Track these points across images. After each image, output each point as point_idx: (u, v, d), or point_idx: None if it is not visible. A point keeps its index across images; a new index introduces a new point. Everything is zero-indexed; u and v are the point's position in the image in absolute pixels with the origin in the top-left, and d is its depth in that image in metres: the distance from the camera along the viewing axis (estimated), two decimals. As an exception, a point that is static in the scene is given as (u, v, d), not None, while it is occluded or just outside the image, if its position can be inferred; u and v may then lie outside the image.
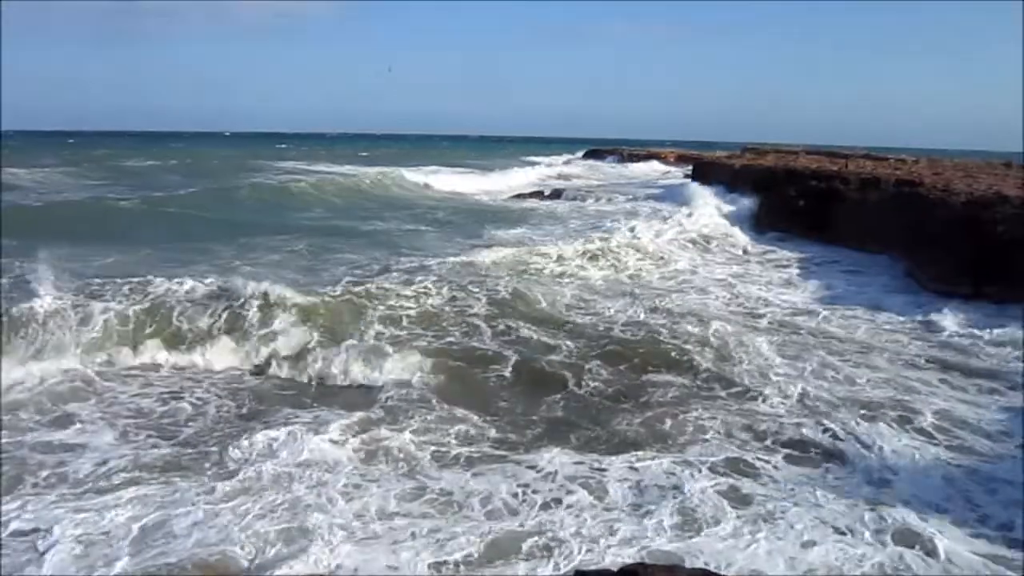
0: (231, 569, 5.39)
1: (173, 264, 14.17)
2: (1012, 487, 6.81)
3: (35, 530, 5.78)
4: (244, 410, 8.34)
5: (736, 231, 21.10)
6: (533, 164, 57.69)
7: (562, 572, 5.30)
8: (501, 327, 11.03)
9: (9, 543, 5.61)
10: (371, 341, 10.07)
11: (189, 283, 10.95)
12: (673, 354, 10.28)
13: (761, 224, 22.32)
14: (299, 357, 9.56)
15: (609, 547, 5.71)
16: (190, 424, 7.94)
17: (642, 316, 12.22)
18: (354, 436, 7.63)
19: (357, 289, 11.72)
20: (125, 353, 9.40)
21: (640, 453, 7.45)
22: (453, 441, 7.72)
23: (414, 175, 37.81)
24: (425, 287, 12.37)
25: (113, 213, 21.38)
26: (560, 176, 48.30)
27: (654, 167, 54.53)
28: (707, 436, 7.88)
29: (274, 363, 9.48)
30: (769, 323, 12.41)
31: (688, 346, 10.50)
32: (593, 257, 16.66)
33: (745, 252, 19.45)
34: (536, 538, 5.80)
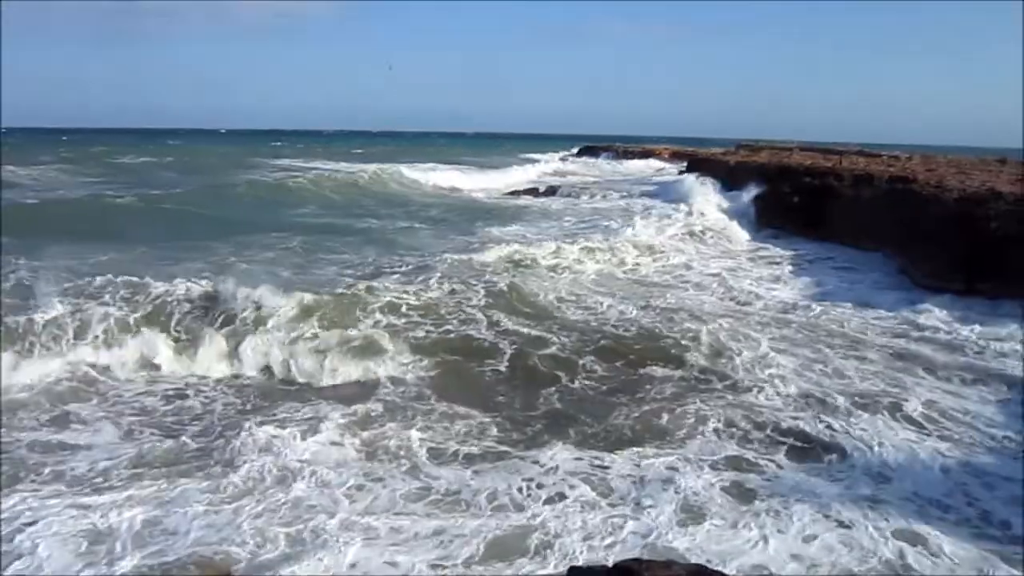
0: (232, 568, 5.42)
1: (168, 262, 14.15)
2: (1009, 483, 6.90)
3: (33, 525, 5.82)
4: (244, 409, 8.36)
5: (732, 227, 21.15)
6: (528, 161, 57.59)
7: (560, 569, 5.34)
8: (498, 322, 11.06)
9: (8, 540, 5.63)
10: (369, 338, 10.05)
11: (186, 285, 10.91)
12: (669, 349, 10.39)
13: (756, 221, 22.39)
14: (297, 356, 9.54)
15: (612, 544, 5.76)
16: (190, 424, 7.95)
17: (638, 312, 12.30)
18: (355, 434, 7.66)
19: (353, 288, 11.71)
20: (123, 356, 9.35)
21: (640, 449, 7.52)
22: (453, 437, 7.76)
23: (410, 172, 37.72)
24: (422, 285, 12.41)
25: (109, 210, 21.33)
26: (555, 173, 48.30)
27: (649, 164, 54.46)
28: (706, 430, 7.96)
29: (273, 363, 9.46)
30: (761, 318, 12.49)
31: (684, 341, 10.61)
32: (590, 252, 16.65)
33: (740, 248, 19.52)
34: (540, 535, 5.84)
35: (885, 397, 8.84)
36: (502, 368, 9.80)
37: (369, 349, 9.79)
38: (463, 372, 9.68)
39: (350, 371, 9.39)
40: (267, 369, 9.46)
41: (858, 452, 7.49)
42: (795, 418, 8.25)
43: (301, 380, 9.27)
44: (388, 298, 11.28)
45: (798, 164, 24.42)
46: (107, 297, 10.54)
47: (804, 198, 21.19)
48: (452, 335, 10.61)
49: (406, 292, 11.67)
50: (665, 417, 8.33)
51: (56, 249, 13.99)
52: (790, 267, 17.13)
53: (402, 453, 7.32)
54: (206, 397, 8.67)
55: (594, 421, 8.27)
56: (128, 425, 7.84)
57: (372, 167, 38.14)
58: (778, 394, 8.96)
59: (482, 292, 12.28)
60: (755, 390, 9.08)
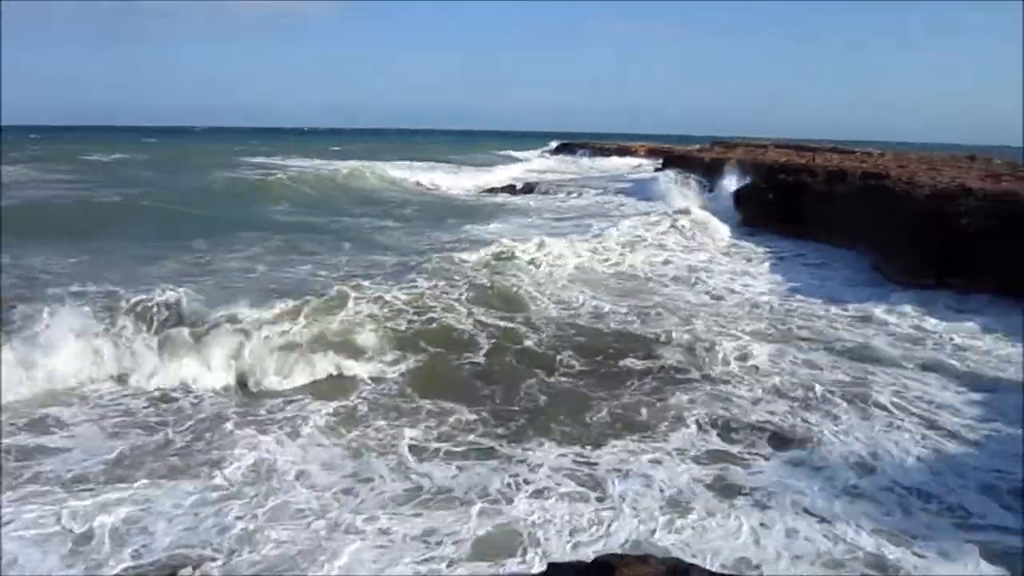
0: (210, 571, 5.38)
1: (143, 262, 14.05)
2: (977, 471, 7.05)
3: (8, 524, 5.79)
4: (227, 413, 8.21)
5: (712, 223, 21.16)
6: (507, 159, 57.68)
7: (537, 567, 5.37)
8: (479, 319, 11.06)
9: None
10: (351, 336, 10.00)
11: (163, 293, 10.62)
12: (647, 343, 10.54)
13: (732, 217, 22.53)
14: (278, 358, 9.38)
15: (598, 541, 5.80)
16: (173, 427, 7.81)
17: (617, 306, 12.46)
18: (339, 434, 7.67)
19: (331, 289, 11.58)
20: (101, 369, 9.10)
21: (623, 443, 7.58)
22: (438, 434, 7.77)
23: (388, 170, 37.60)
24: (402, 284, 12.34)
25: (83, 210, 20.96)
26: (532, 171, 48.31)
27: (626, 161, 54.71)
28: (687, 424, 8.05)
29: (254, 366, 9.25)
30: (735, 313, 12.64)
31: (662, 335, 10.79)
32: (571, 249, 16.65)
33: (716, 244, 19.63)
34: (527, 533, 5.87)
35: (856, 387, 9.04)
36: (484, 363, 9.83)
37: (350, 347, 9.75)
38: (445, 367, 9.69)
39: (331, 369, 9.34)
40: (248, 373, 9.25)
41: (837, 442, 7.61)
42: (772, 412, 8.37)
43: (283, 382, 9.11)
44: (368, 298, 11.18)
45: (772, 161, 24.64)
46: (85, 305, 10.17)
47: (779, 195, 21.35)
48: (434, 332, 10.58)
49: (386, 292, 11.57)
50: (646, 411, 8.40)
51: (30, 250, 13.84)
52: (764, 264, 17.27)
53: (387, 451, 7.32)
54: (188, 402, 8.49)
55: (576, 416, 8.32)
56: (111, 428, 7.73)
57: (351, 164, 38.02)
58: (755, 386, 9.10)
59: (463, 289, 12.26)
60: (733, 382, 9.23)
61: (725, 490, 6.67)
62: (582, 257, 16.19)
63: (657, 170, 38.99)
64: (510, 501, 6.40)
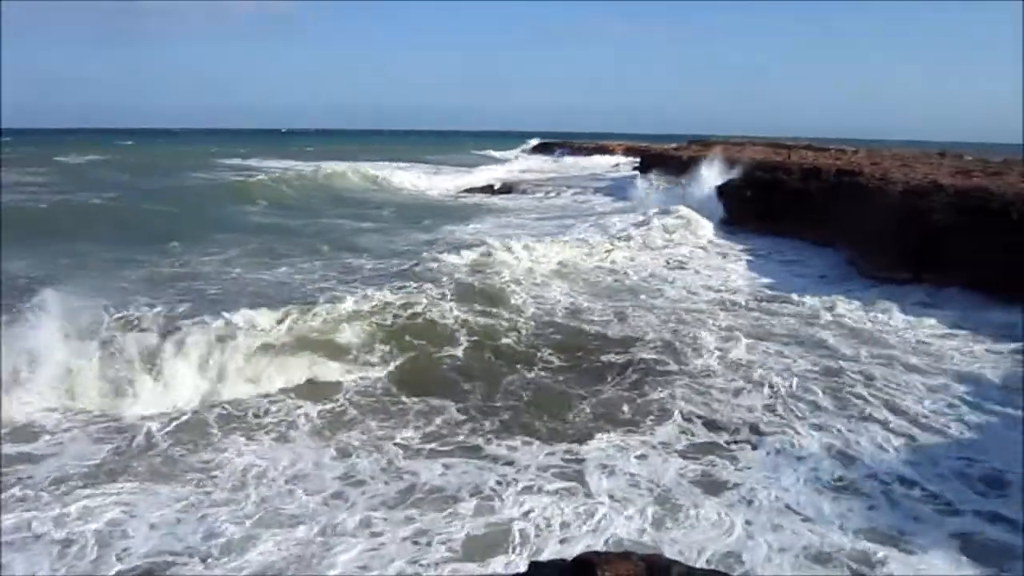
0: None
1: (117, 266, 13.89)
2: (950, 460, 7.21)
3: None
4: (210, 419, 8.14)
5: (691, 221, 21.13)
6: (487, 159, 57.68)
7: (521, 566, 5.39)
8: (462, 319, 11.07)
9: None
10: (335, 339, 9.94)
11: (141, 311, 10.42)
12: (627, 339, 10.70)
13: (711, 214, 22.55)
14: (262, 365, 9.22)
15: (585, 538, 5.86)
16: (159, 433, 7.73)
17: (595, 304, 12.62)
18: (327, 437, 7.68)
19: (310, 296, 11.49)
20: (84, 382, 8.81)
21: (609, 437, 7.68)
22: (425, 435, 7.81)
23: (370, 171, 37.43)
24: (385, 286, 12.34)
25: (57, 214, 20.61)
26: (511, 170, 48.32)
27: (604, 160, 54.87)
28: (671, 419, 8.17)
29: (238, 374, 9.08)
30: (712, 309, 12.83)
31: (640, 332, 11.00)
32: (553, 248, 16.70)
33: (695, 243, 19.70)
34: (516, 532, 5.90)
35: (829, 379, 9.28)
36: (467, 361, 9.88)
37: (334, 349, 9.70)
38: (429, 367, 9.71)
39: (316, 371, 9.27)
40: (232, 378, 9.03)
41: (816, 434, 7.77)
42: (751, 404, 8.57)
43: (268, 386, 8.97)
44: (349, 301, 11.06)
45: (749, 159, 24.79)
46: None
47: (756, 191, 21.46)
48: (418, 331, 10.57)
49: (365, 295, 11.48)
50: (629, 406, 8.54)
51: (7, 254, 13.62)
52: (740, 260, 17.42)
53: (376, 452, 7.33)
54: (171, 410, 8.32)
55: (561, 412, 8.41)
56: (95, 434, 7.65)
57: (330, 165, 37.81)
58: (733, 380, 9.29)
59: (446, 290, 12.29)
60: (712, 376, 9.41)
61: (710, 485, 6.76)
62: (563, 256, 16.24)
63: (635, 169, 39.16)
64: (499, 500, 6.43)
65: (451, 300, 11.79)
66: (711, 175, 24.59)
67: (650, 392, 8.89)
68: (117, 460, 7.09)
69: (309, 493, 6.53)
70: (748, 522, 6.08)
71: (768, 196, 20.96)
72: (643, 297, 13.50)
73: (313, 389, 9.01)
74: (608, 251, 17.42)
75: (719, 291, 14.25)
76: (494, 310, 11.69)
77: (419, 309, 11.15)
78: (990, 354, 10.21)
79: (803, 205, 19.58)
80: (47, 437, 7.55)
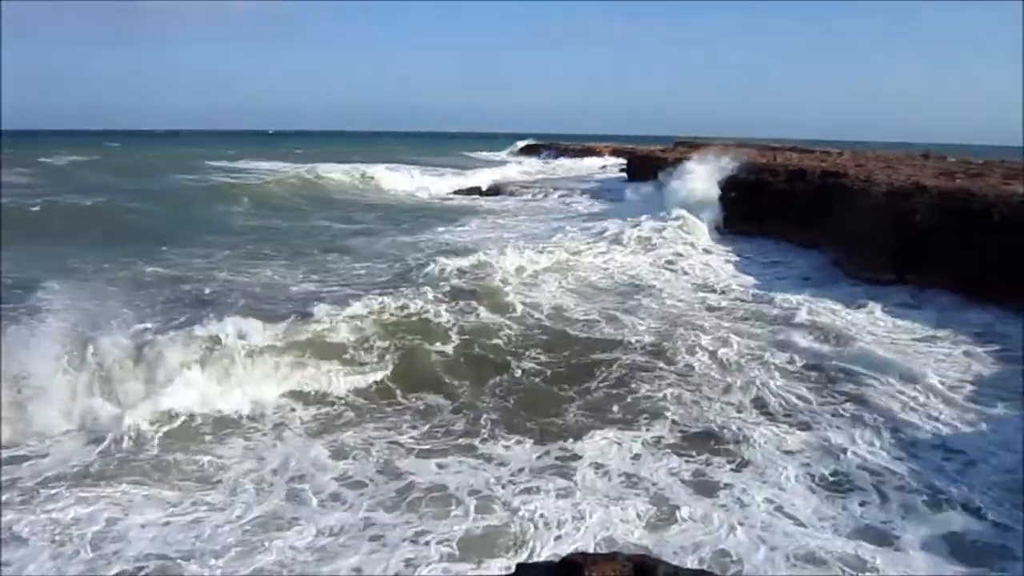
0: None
1: (99, 268, 13.80)
2: (935, 449, 7.38)
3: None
4: (207, 422, 8.12)
5: (684, 224, 21.04)
6: (475, 161, 57.63)
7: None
8: (452, 321, 11.11)
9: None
10: (330, 342, 9.91)
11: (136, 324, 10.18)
12: (616, 340, 10.86)
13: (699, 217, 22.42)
14: (252, 370, 9.12)
15: (581, 538, 5.94)
16: (152, 439, 7.68)
17: (583, 306, 12.76)
18: (324, 438, 7.72)
19: (299, 295, 11.48)
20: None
21: (603, 433, 7.82)
22: (419, 435, 7.89)
23: (361, 172, 37.29)
24: (378, 289, 12.42)
25: (45, 216, 20.38)
26: (499, 172, 48.18)
27: (591, 162, 54.94)
28: (662, 417, 8.29)
29: (231, 380, 8.92)
30: (698, 310, 13.01)
31: (628, 333, 11.16)
32: (544, 252, 16.71)
33: (679, 245, 19.67)
34: (513, 533, 5.97)
35: (814, 376, 9.57)
36: (459, 362, 9.95)
37: (328, 352, 9.66)
38: (422, 367, 9.75)
39: (311, 374, 9.20)
40: (225, 384, 8.89)
41: (804, 433, 7.93)
42: (739, 402, 8.75)
43: (264, 391, 8.85)
44: (341, 304, 11.03)
45: (735, 158, 24.80)
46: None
47: (741, 193, 21.48)
48: (411, 331, 10.61)
49: (358, 297, 11.44)
50: (621, 405, 8.68)
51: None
52: (728, 262, 17.47)
53: (371, 453, 7.39)
54: (167, 414, 8.23)
55: (552, 412, 8.52)
56: (89, 436, 7.64)
57: (319, 167, 37.65)
58: (721, 377, 9.48)
59: (438, 292, 12.36)
60: (700, 375, 9.59)
61: (702, 484, 6.88)
62: (552, 259, 16.23)
63: (621, 171, 39.25)
64: (496, 500, 6.49)
65: (442, 302, 11.85)
66: (697, 177, 24.29)
67: (639, 391, 9.02)
68: (112, 463, 7.08)
69: (309, 495, 6.58)
70: (739, 522, 6.17)
71: (754, 198, 21.02)
72: (631, 298, 13.60)
73: (307, 390, 8.99)
74: (596, 253, 17.45)
75: (707, 292, 14.39)
76: (485, 312, 11.74)
77: (411, 311, 11.18)
78: (967, 356, 10.30)
79: (788, 207, 19.67)
80: (43, 440, 7.53)
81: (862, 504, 6.53)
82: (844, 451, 7.47)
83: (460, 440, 7.80)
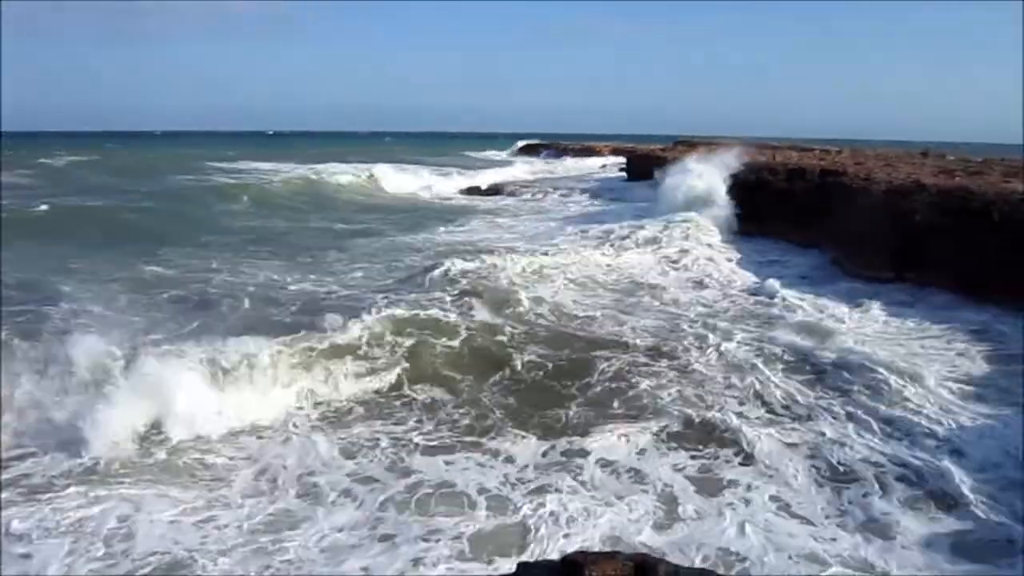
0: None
1: (100, 273, 13.81)
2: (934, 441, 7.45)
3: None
4: (215, 420, 8.06)
5: (691, 224, 20.94)
6: (479, 161, 57.66)
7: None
8: (457, 319, 11.14)
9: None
10: (333, 340, 9.87)
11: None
12: (618, 337, 10.97)
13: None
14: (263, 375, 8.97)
15: (586, 531, 6.01)
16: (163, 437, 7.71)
17: (587, 302, 12.89)
18: (330, 435, 7.79)
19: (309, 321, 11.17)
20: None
21: (606, 431, 7.89)
22: (426, 431, 7.99)
23: (362, 173, 37.28)
24: (388, 290, 12.50)
25: (51, 218, 20.44)
26: (500, 172, 48.16)
27: (591, 161, 54.93)
28: (665, 413, 8.38)
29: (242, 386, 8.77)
30: (699, 308, 13.04)
31: (629, 329, 11.33)
32: (543, 254, 16.75)
33: (684, 244, 19.60)
34: (523, 531, 6.03)
35: (812, 372, 9.65)
36: (464, 358, 9.98)
37: (339, 348, 9.64)
38: (429, 364, 9.78)
39: (318, 374, 9.13)
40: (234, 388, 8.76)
41: (808, 425, 8.09)
42: (743, 396, 8.90)
43: (271, 391, 8.80)
44: (363, 322, 10.56)
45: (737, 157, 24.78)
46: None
47: (742, 193, 21.43)
48: (418, 329, 10.58)
49: (364, 296, 11.52)
50: (624, 401, 8.77)
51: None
52: (727, 260, 17.44)
53: (381, 451, 7.47)
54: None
55: (561, 407, 8.62)
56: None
57: (321, 168, 37.66)
58: (724, 374, 9.60)
59: (443, 292, 12.46)
60: (702, 371, 9.69)
61: (708, 480, 6.96)
62: (554, 258, 16.24)
63: (621, 170, 39.28)
64: (508, 499, 6.56)
65: (448, 302, 11.89)
66: (699, 176, 24.10)
67: (642, 388, 9.09)
68: (120, 463, 7.10)
69: (317, 492, 6.64)
70: (745, 520, 6.23)
71: (753, 197, 20.95)
72: (632, 296, 13.68)
73: (315, 388, 8.95)
74: (597, 252, 17.45)
75: (707, 290, 14.47)
76: (490, 311, 11.77)
77: (418, 311, 11.16)
78: (964, 355, 10.27)
79: (788, 206, 19.65)
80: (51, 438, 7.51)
81: (864, 496, 6.63)
82: (844, 447, 7.54)
83: (467, 437, 7.88)
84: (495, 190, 34.84)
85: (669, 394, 8.90)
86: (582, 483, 6.84)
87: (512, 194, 33.43)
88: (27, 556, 5.57)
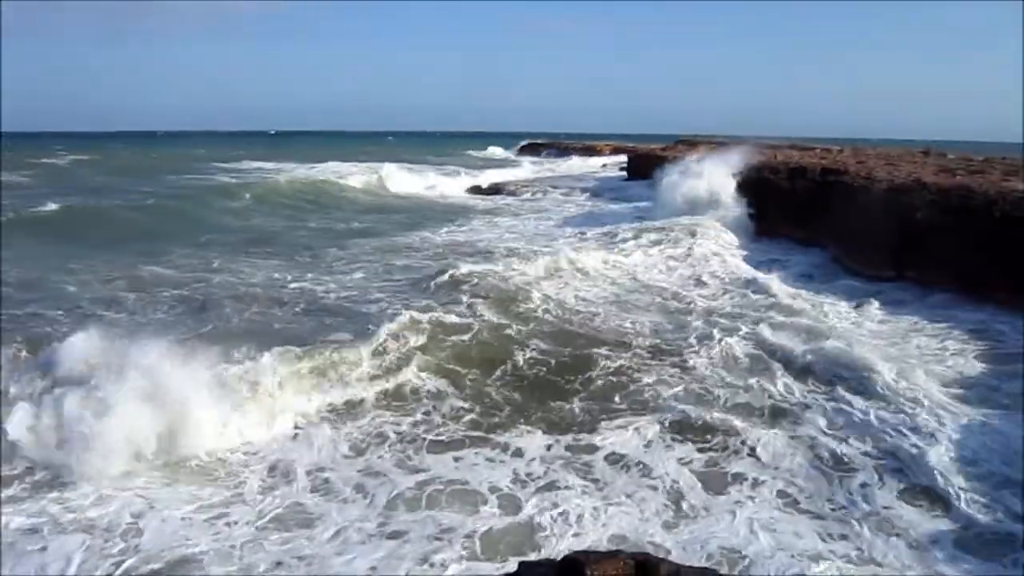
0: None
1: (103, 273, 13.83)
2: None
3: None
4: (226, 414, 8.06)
5: (699, 226, 20.84)
6: (480, 160, 57.67)
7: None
8: (465, 316, 11.25)
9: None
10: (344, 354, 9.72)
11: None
12: (619, 333, 11.12)
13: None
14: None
15: (595, 530, 6.09)
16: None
17: (589, 298, 13.07)
18: (340, 429, 7.92)
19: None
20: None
21: (619, 422, 8.10)
22: (434, 426, 8.11)
23: (364, 172, 37.30)
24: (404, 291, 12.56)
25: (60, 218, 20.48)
26: (501, 171, 48.14)
27: (592, 160, 54.96)
28: (669, 408, 8.48)
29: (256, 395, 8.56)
30: (702, 304, 13.14)
31: (629, 326, 11.47)
32: (545, 253, 16.76)
33: (688, 243, 19.57)
34: (532, 531, 6.09)
35: (812, 367, 9.70)
36: (468, 353, 10.05)
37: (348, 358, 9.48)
38: (437, 359, 9.83)
39: (327, 371, 9.10)
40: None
41: (807, 417, 8.26)
42: (745, 390, 9.03)
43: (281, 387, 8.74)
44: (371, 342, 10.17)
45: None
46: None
47: (751, 193, 21.32)
48: (428, 325, 10.64)
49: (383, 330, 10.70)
50: (627, 396, 8.89)
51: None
52: (729, 257, 17.44)
53: (389, 445, 7.61)
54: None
55: (566, 403, 8.74)
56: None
57: (324, 167, 37.66)
58: (726, 369, 9.72)
59: (454, 290, 12.58)
60: (703, 367, 9.78)
61: (715, 475, 7.08)
62: (559, 255, 16.26)
63: (622, 169, 39.28)
64: (516, 498, 6.62)
65: (453, 302, 11.94)
66: (704, 176, 23.93)
67: (645, 383, 9.20)
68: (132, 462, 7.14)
69: (327, 489, 6.73)
70: (750, 517, 6.31)
71: (762, 197, 20.85)
72: (634, 294, 13.73)
73: (325, 384, 8.94)
74: (599, 251, 17.45)
75: (708, 288, 14.49)
76: (496, 309, 11.78)
77: (426, 312, 11.14)
78: (963, 353, 10.30)
79: (789, 204, 19.66)
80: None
81: (863, 487, 6.76)
82: (841, 442, 7.64)
83: (474, 431, 8.00)
84: (496, 189, 34.85)
85: (672, 390, 9.00)
86: (593, 480, 6.93)
87: (513, 193, 33.43)
88: (42, 550, 5.65)
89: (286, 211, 25.75)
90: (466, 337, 10.49)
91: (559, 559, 3.53)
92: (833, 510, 6.47)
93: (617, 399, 8.80)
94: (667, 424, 8.07)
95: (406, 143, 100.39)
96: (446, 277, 13.44)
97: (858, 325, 11.76)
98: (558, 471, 7.07)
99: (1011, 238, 12.28)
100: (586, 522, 6.17)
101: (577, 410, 8.55)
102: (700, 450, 7.53)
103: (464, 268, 14.24)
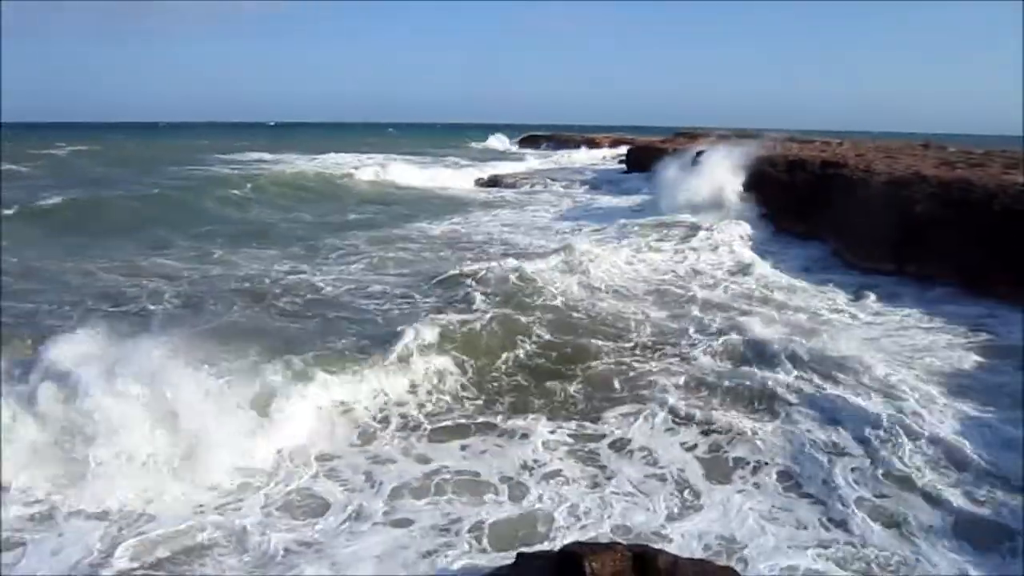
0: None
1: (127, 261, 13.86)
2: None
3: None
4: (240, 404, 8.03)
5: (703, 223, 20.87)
6: (480, 152, 57.59)
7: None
8: (472, 304, 11.45)
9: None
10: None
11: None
12: (625, 324, 11.21)
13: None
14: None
15: (601, 521, 6.14)
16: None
17: (589, 297, 12.95)
18: (347, 415, 7.98)
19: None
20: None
21: (623, 411, 8.22)
22: (438, 414, 8.22)
23: (366, 164, 37.17)
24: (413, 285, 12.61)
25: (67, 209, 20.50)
26: (501, 164, 48.07)
27: (591, 153, 54.85)
28: (673, 396, 8.60)
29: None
30: (702, 296, 13.17)
31: (630, 318, 11.53)
32: (549, 247, 16.87)
33: (692, 238, 19.55)
34: (539, 520, 6.15)
35: (813, 355, 9.71)
36: (474, 343, 10.04)
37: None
38: (442, 348, 9.77)
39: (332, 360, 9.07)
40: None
41: (808, 404, 8.36)
42: (747, 379, 9.10)
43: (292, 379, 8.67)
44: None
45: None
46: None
47: (761, 187, 21.24)
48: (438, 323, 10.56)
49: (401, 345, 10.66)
50: (631, 386, 9.00)
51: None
52: (728, 251, 17.40)
53: (397, 436, 7.67)
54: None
55: (569, 393, 8.82)
56: None
57: (324, 158, 37.60)
58: (724, 358, 9.85)
59: (458, 287, 12.58)
60: (704, 355, 9.93)
61: (717, 463, 7.20)
62: (556, 256, 16.20)
63: (621, 162, 39.26)
64: (522, 487, 6.70)
65: (462, 297, 12.00)
66: (705, 169, 23.81)
67: (648, 373, 9.31)
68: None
69: (333, 476, 6.81)
70: (752, 508, 6.38)
71: (757, 190, 20.89)
72: (635, 288, 13.74)
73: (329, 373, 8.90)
74: (600, 244, 17.47)
75: (707, 280, 14.52)
76: (500, 302, 11.78)
77: (436, 313, 11.13)
78: (961, 347, 10.33)
79: (789, 197, 19.64)
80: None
81: (855, 476, 6.84)
82: (835, 432, 7.72)
83: (480, 418, 8.11)
84: (495, 182, 34.83)
85: (673, 379, 9.10)
86: (599, 470, 7.02)
87: (512, 186, 33.44)
88: (60, 535, 5.74)
89: (295, 202, 25.77)
90: (472, 327, 10.49)
91: (557, 551, 3.58)
92: (827, 500, 6.53)
93: (626, 389, 8.91)
94: (673, 414, 8.17)
95: (407, 134, 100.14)
96: (451, 271, 13.47)
97: (857, 318, 11.82)
98: (563, 459, 7.17)
99: (1012, 231, 12.32)
100: (591, 511, 6.25)
101: (581, 398, 8.68)
102: (708, 436, 7.68)
103: (468, 261, 14.30)
